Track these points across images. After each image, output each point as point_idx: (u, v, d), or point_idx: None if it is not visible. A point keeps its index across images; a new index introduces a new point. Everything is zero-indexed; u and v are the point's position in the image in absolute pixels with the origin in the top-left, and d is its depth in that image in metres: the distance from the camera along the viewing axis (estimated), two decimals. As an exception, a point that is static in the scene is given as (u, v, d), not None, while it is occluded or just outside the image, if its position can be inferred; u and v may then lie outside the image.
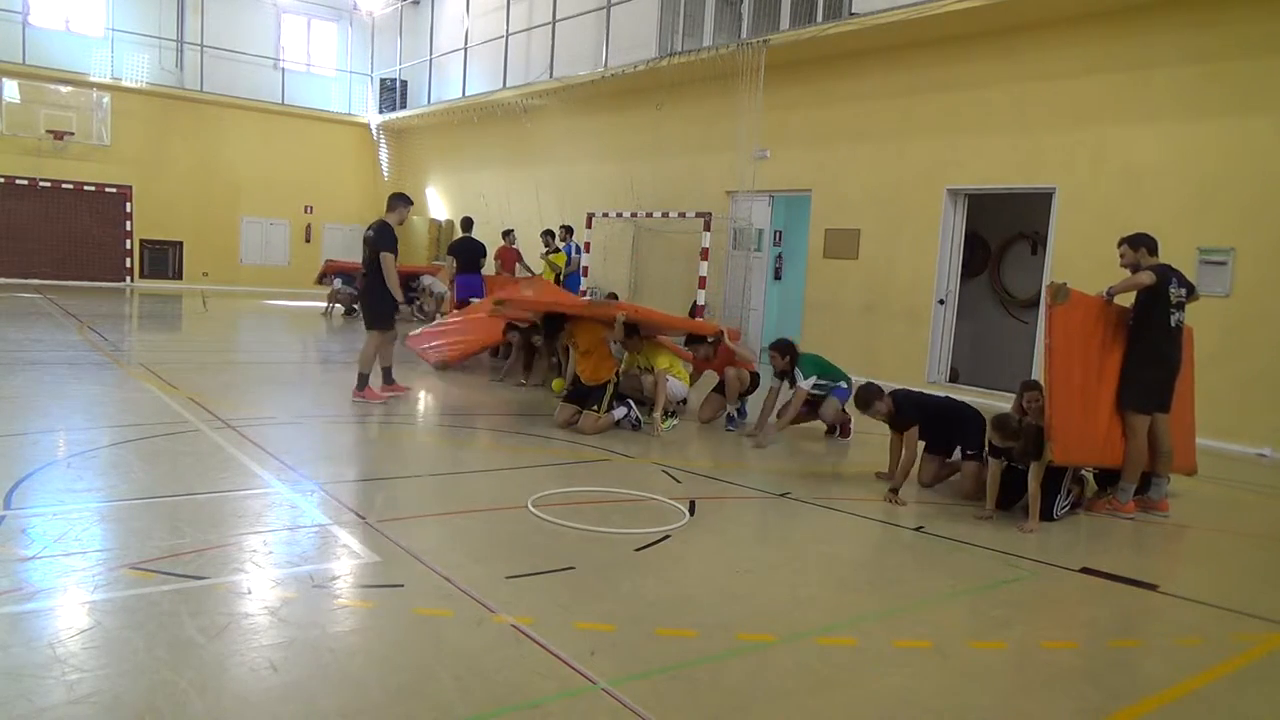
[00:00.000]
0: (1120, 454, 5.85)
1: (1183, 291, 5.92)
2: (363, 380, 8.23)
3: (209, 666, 3.01)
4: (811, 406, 7.85)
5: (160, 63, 20.55)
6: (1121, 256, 6.09)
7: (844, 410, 7.90)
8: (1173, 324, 5.88)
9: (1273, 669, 3.75)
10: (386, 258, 7.99)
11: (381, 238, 8.05)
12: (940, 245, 11.10)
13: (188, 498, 4.97)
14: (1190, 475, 6.50)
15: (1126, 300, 5.90)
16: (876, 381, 6.53)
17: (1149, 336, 5.86)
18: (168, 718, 2.68)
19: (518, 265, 14.37)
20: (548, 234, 14.74)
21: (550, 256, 14.42)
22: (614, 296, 14.05)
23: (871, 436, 8.48)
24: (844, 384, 7.80)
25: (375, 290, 8.21)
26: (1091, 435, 5.72)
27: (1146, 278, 5.77)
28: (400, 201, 8.30)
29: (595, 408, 7.46)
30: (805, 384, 7.46)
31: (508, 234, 14.54)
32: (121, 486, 5.12)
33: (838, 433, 8.07)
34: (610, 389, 7.57)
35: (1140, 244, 6.04)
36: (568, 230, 14.68)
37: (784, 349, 7.58)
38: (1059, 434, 5.39)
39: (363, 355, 8.30)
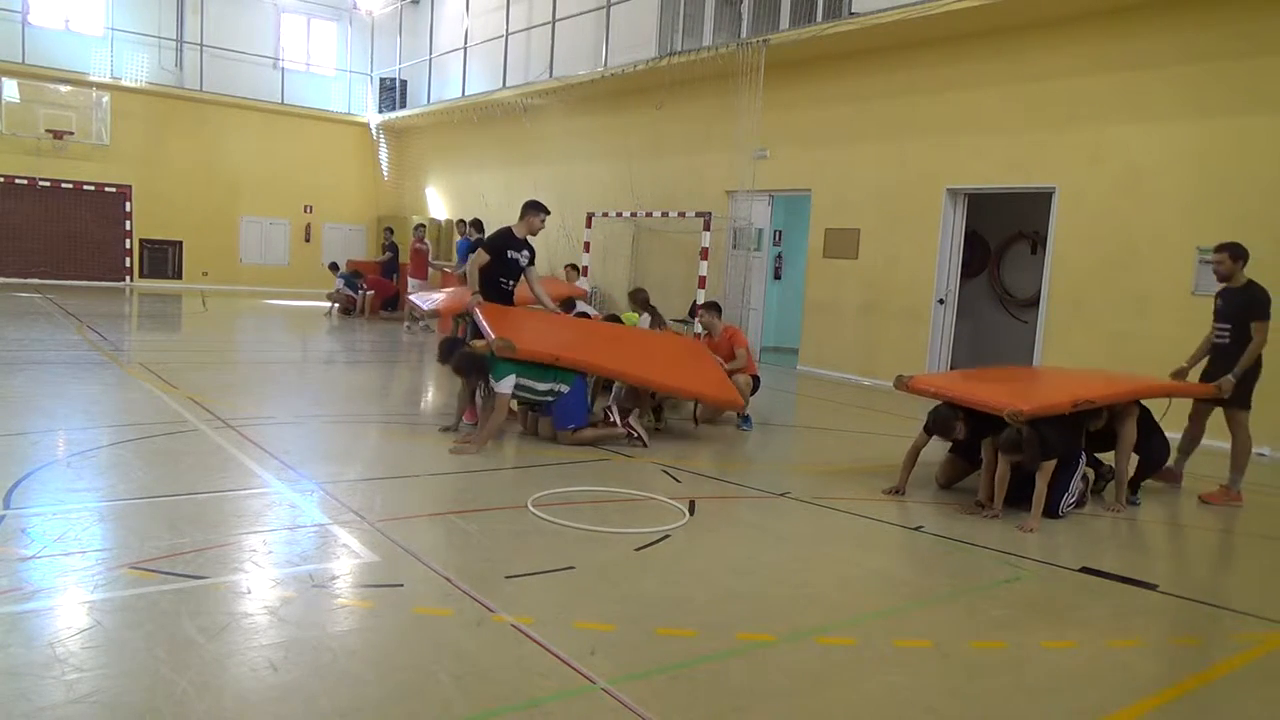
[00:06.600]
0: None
1: (1218, 301, 6.02)
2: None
3: (209, 666, 3.01)
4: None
5: (160, 62, 20.54)
6: (1218, 264, 5.94)
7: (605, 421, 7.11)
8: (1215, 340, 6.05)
9: (1273, 669, 3.74)
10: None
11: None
12: (940, 245, 11.10)
13: (188, 497, 4.97)
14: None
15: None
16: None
17: None
18: (168, 718, 2.68)
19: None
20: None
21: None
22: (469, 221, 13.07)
23: (869, 435, 8.48)
24: (565, 386, 6.82)
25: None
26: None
27: (1228, 384, 6.04)
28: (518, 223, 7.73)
29: None
30: (501, 387, 6.50)
31: None
32: (121, 486, 5.12)
33: (631, 438, 7.07)
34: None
35: (1240, 256, 5.91)
36: (475, 224, 13.87)
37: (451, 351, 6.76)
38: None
39: None
